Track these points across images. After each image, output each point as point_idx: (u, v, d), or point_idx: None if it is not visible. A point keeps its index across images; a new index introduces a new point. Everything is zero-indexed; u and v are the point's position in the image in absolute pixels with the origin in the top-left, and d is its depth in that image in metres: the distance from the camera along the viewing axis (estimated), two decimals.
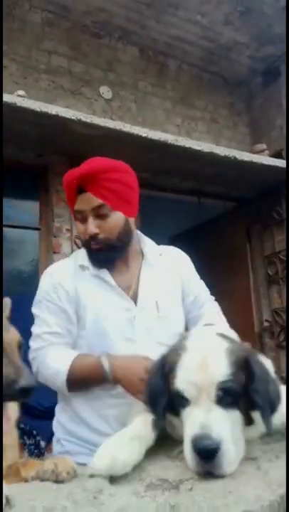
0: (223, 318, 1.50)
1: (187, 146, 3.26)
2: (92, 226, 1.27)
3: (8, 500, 0.73)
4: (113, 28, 3.98)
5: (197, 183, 4.10)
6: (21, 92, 2.61)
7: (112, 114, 3.92)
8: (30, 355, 1.31)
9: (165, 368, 0.97)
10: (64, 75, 3.76)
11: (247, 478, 0.84)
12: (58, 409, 1.41)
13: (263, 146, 4.04)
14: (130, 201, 1.36)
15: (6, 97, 2.47)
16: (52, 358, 1.28)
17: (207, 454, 0.83)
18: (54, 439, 1.40)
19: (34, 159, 3.30)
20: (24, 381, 0.91)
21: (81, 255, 1.38)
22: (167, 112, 4.37)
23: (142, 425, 0.99)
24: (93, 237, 1.28)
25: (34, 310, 1.37)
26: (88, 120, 2.77)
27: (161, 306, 1.34)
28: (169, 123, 4.34)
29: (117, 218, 1.30)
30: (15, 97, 2.54)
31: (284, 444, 1.05)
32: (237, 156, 3.51)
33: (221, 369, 0.88)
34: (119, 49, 4.15)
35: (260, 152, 3.87)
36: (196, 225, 5.12)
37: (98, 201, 1.26)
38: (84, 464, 1.26)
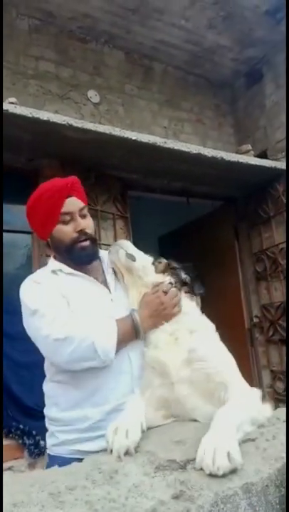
0: None
1: (176, 147, 3.34)
2: (82, 223, 1.49)
3: None
4: (99, 33, 4.05)
5: (185, 183, 4.19)
6: (13, 99, 2.66)
7: (101, 118, 3.99)
8: (59, 335, 1.31)
9: None
10: (52, 80, 3.81)
11: (247, 456, 0.93)
12: (46, 406, 1.51)
13: (249, 146, 4.15)
14: None
15: None
16: (95, 328, 1.34)
17: None
18: (47, 435, 1.49)
19: (26, 164, 3.34)
20: None
21: (50, 264, 1.56)
22: (154, 114, 4.45)
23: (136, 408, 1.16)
24: (83, 231, 1.48)
25: (32, 307, 1.39)
26: (79, 125, 2.83)
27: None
28: (156, 125, 4.42)
29: (91, 219, 1.56)
30: (7, 104, 2.59)
31: (279, 426, 1.14)
32: (224, 157, 3.60)
33: None
34: (106, 53, 4.21)
35: (245, 152, 3.98)
36: (185, 225, 5.22)
37: (82, 203, 1.52)
38: (85, 452, 1.34)
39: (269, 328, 4.38)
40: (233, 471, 0.86)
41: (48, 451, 1.49)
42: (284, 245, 4.14)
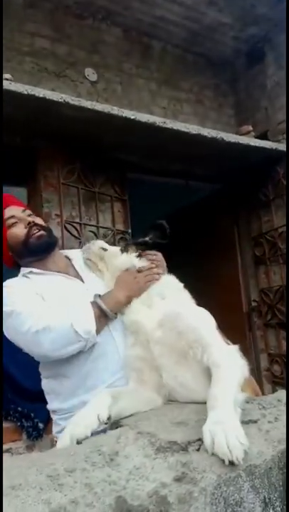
0: None
1: (175, 128, 3.26)
2: (29, 218, 1.59)
3: None
4: (96, 8, 3.92)
5: (185, 165, 4.12)
6: (8, 76, 2.57)
7: (98, 97, 3.89)
8: (38, 326, 1.36)
9: None
10: (48, 58, 3.70)
11: (250, 438, 0.91)
12: (48, 402, 1.57)
13: (249, 127, 4.07)
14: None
15: None
16: (71, 313, 1.39)
17: None
18: (53, 424, 1.57)
19: (20, 143, 3.27)
20: None
21: (20, 273, 1.62)
22: (153, 94, 4.35)
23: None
24: (32, 224, 1.57)
25: (6, 310, 1.42)
26: (76, 103, 2.75)
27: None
28: (155, 105, 4.32)
29: (38, 218, 1.68)
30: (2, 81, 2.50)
31: (281, 408, 1.12)
32: (224, 138, 3.53)
33: None
34: (103, 30, 4.09)
35: (246, 133, 3.90)
36: (184, 207, 5.16)
37: (22, 207, 1.64)
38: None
39: (267, 312, 4.37)
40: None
41: (54, 438, 1.53)
42: (284, 229, 4.10)
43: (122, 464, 0.80)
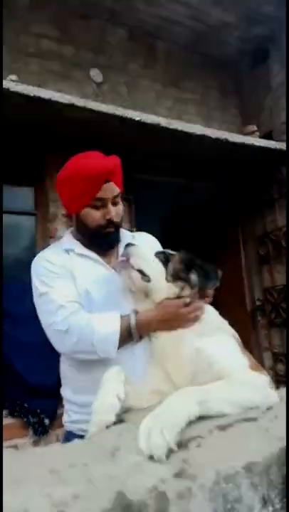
0: None
1: (180, 128, 3.28)
2: (113, 211, 1.44)
3: None
4: (101, 10, 3.94)
5: (189, 165, 4.13)
6: (14, 77, 2.60)
7: (103, 98, 3.91)
8: (61, 326, 1.31)
9: None
10: (54, 59, 3.73)
11: (250, 436, 0.92)
12: (62, 385, 1.54)
13: (254, 127, 4.07)
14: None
15: None
16: (97, 322, 1.31)
17: None
18: (64, 410, 1.54)
19: (27, 144, 3.30)
20: None
21: (65, 240, 1.53)
22: (158, 95, 4.36)
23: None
24: (111, 220, 1.43)
25: (41, 289, 1.38)
26: (82, 104, 2.77)
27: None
28: (160, 105, 4.34)
29: (122, 206, 1.51)
30: (8, 82, 2.53)
31: (281, 406, 1.13)
32: (229, 138, 3.54)
33: None
34: (108, 31, 4.11)
35: (250, 133, 3.91)
36: (188, 207, 5.17)
37: (117, 190, 1.45)
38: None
39: (271, 311, 4.37)
40: (235, 451, 0.85)
41: (64, 424, 1.54)
42: (286, 228, 4.10)
43: (122, 460, 0.82)
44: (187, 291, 1.30)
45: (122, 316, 1.33)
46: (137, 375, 1.34)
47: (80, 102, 2.77)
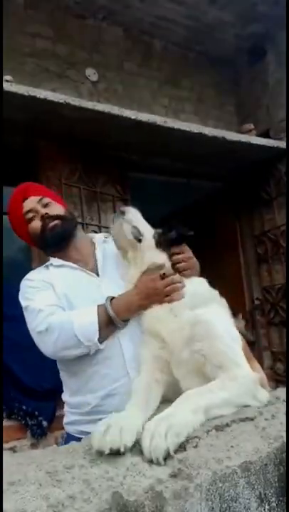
0: None
1: (176, 127, 3.27)
2: (43, 210, 1.57)
3: None
4: (97, 8, 3.93)
5: (186, 164, 4.13)
6: (8, 77, 2.59)
7: (99, 97, 3.90)
8: (41, 327, 1.38)
9: None
10: (49, 58, 3.72)
11: (246, 435, 0.92)
12: (64, 394, 1.60)
13: (251, 125, 4.07)
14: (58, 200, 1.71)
15: None
16: (75, 315, 1.38)
17: None
18: (64, 411, 1.61)
19: (22, 144, 3.29)
20: None
21: (50, 260, 1.63)
22: (154, 93, 4.35)
23: (138, 395, 1.15)
24: (46, 216, 1.55)
25: (24, 304, 1.48)
26: (77, 104, 2.77)
27: (117, 273, 1.55)
28: (156, 104, 4.33)
29: (56, 204, 1.63)
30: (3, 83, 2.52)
31: (278, 406, 1.13)
32: (226, 137, 3.54)
33: None
34: (104, 30, 4.10)
35: (247, 132, 3.90)
36: (186, 206, 5.17)
37: (38, 197, 1.59)
38: (87, 433, 1.35)
39: (270, 310, 4.38)
40: (232, 451, 0.85)
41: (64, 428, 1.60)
42: (286, 227, 4.11)
43: (119, 461, 0.82)
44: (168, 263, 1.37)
45: (99, 305, 1.40)
46: (124, 361, 1.44)
47: (74, 101, 2.76)
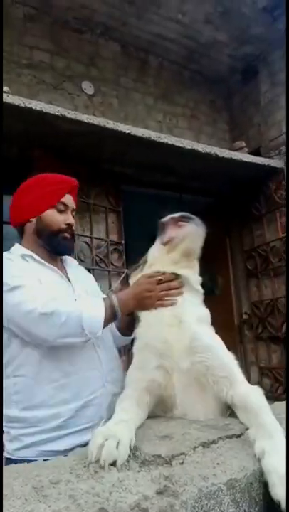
0: None
1: (169, 142, 3.32)
2: (72, 218, 1.58)
3: None
4: (95, 24, 4.00)
5: (179, 179, 4.18)
6: (5, 89, 2.62)
7: (94, 110, 3.95)
8: (46, 309, 1.27)
9: None
10: (46, 70, 3.77)
11: (233, 452, 0.93)
12: (5, 405, 1.38)
13: (242, 143, 4.15)
14: None
15: None
16: (83, 304, 1.36)
17: None
18: (7, 438, 1.38)
19: (17, 154, 3.30)
20: None
21: (17, 249, 1.53)
22: (149, 108, 4.42)
23: (127, 409, 1.12)
24: (71, 226, 1.56)
25: (12, 283, 1.32)
26: (72, 116, 2.80)
27: (89, 289, 1.61)
28: (151, 119, 4.39)
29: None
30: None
31: None
32: (218, 153, 3.60)
33: None
34: (101, 45, 4.17)
35: (239, 149, 3.97)
36: None
37: (74, 206, 1.62)
38: (53, 451, 1.29)
39: (258, 325, 4.40)
40: (218, 468, 0.86)
41: (7, 456, 1.36)
42: (275, 243, 4.16)
43: (105, 477, 0.82)
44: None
45: (104, 299, 1.41)
46: (102, 374, 1.42)
47: (70, 114, 2.79)
